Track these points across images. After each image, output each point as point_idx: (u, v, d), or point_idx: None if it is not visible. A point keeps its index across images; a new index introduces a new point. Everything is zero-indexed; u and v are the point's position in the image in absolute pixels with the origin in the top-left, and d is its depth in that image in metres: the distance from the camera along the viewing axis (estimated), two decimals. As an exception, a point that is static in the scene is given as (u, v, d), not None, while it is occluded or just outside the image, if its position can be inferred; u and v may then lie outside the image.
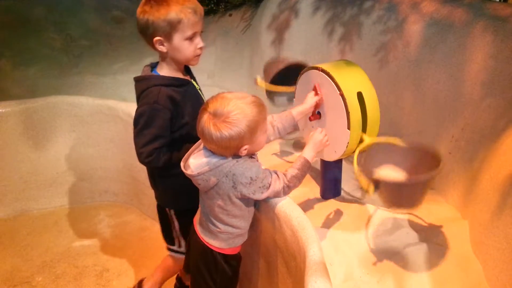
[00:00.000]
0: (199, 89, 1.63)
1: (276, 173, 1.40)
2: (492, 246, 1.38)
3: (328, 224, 1.70)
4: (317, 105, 1.66)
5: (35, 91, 2.87)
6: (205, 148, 1.37)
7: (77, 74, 3.13)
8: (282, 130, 1.58)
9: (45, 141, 2.65)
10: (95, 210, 2.70)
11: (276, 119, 1.57)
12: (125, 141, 2.47)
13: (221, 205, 1.39)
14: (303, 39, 2.62)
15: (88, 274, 2.23)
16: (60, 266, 2.28)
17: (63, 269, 2.26)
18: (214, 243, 1.47)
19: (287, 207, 1.40)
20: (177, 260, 1.80)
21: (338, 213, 1.76)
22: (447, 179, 1.78)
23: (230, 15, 3.39)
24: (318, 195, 1.89)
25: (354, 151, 1.65)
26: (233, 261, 1.53)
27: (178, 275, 1.91)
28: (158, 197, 1.72)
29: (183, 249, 1.76)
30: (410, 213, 1.73)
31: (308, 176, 1.92)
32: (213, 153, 1.35)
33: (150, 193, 1.77)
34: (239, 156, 1.35)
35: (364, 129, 1.60)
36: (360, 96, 1.56)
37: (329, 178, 1.85)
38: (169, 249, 1.80)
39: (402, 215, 1.72)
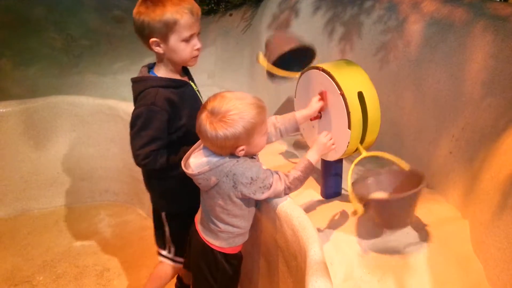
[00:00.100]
0: (197, 90, 1.62)
1: (278, 174, 1.40)
2: (493, 245, 1.38)
3: (328, 223, 1.70)
4: (322, 110, 1.66)
5: (35, 91, 2.87)
6: (205, 147, 1.38)
7: (77, 74, 3.13)
8: (284, 132, 1.58)
9: (46, 141, 2.66)
10: (95, 209, 2.70)
11: (279, 120, 1.57)
12: (125, 140, 2.45)
13: (221, 205, 1.39)
14: (303, 39, 2.61)
15: (88, 273, 2.23)
16: (60, 266, 2.28)
17: (63, 268, 2.27)
18: (214, 242, 1.48)
19: (288, 207, 1.40)
20: (168, 268, 1.78)
21: (339, 213, 1.76)
22: (448, 179, 1.78)
23: (231, 15, 3.39)
24: (318, 194, 1.89)
25: (354, 151, 1.65)
26: (234, 260, 1.53)
27: (178, 274, 1.91)
28: (152, 199, 1.71)
29: (172, 255, 1.74)
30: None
31: (308, 176, 1.92)
32: (213, 152, 1.35)
33: (151, 192, 1.77)
34: (238, 156, 1.35)
35: (364, 129, 1.60)
36: (360, 95, 1.56)
37: (329, 177, 1.85)
38: (160, 254, 1.77)
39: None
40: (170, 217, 1.68)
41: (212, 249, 1.49)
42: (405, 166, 1.55)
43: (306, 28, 2.59)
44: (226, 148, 1.31)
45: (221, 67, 3.19)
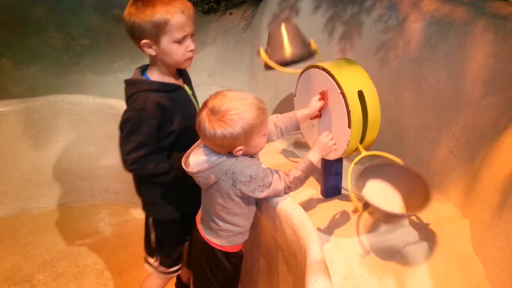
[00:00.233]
0: (192, 94, 1.57)
1: (277, 173, 1.40)
2: (493, 244, 1.38)
3: (328, 222, 1.70)
4: (322, 108, 1.66)
5: (35, 90, 2.87)
6: (205, 145, 1.38)
7: (77, 73, 3.12)
8: (285, 131, 1.58)
9: (46, 140, 2.66)
10: (95, 208, 2.70)
11: (280, 119, 1.57)
12: (125, 140, 2.47)
13: (221, 203, 1.39)
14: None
15: (88, 272, 2.23)
16: (60, 265, 2.28)
17: (63, 267, 2.27)
18: (215, 241, 1.48)
19: (288, 206, 1.40)
20: (156, 281, 1.74)
21: (339, 212, 1.76)
22: (448, 178, 1.78)
23: (231, 13, 3.39)
24: (318, 194, 1.89)
25: (354, 150, 1.65)
26: (234, 259, 1.53)
27: (178, 274, 1.91)
28: (142, 203, 1.67)
29: (157, 264, 1.70)
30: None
31: (308, 175, 1.92)
32: (212, 151, 1.35)
33: (151, 191, 1.77)
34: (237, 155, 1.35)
35: (364, 128, 1.60)
36: (360, 94, 1.56)
37: (329, 177, 1.85)
38: (146, 261, 1.74)
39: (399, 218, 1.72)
40: (157, 223, 1.65)
41: (213, 247, 1.49)
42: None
43: (307, 27, 2.59)
44: (224, 147, 1.31)
45: (221, 66, 3.18)
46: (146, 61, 1.57)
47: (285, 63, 1.80)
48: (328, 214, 1.74)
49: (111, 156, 2.64)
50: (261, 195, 1.37)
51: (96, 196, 2.77)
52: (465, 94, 1.72)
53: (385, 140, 1.97)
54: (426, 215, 1.70)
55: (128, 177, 1.60)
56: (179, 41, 1.38)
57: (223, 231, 1.45)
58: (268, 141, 1.46)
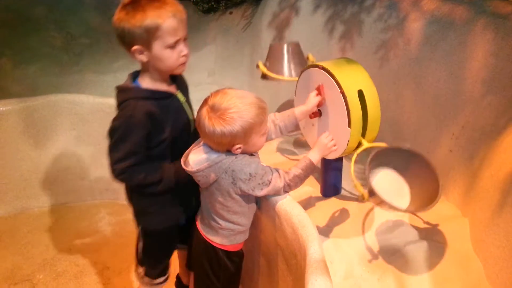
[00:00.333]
0: (185, 101, 1.50)
1: (277, 171, 1.40)
2: (492, 244, 1.38)
3: (328, 222, 1.70)
4: (320, 105, 1.66)
5: (35, 89, 2.87)
6: (205, 144, 1.38)
7: (77, 73, 3.13)
8: (284, 129, 1.58)
9: (46, 140, 2.66)
10: (95, 208, 2.71)
11: (278, 117, 1.57)
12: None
13: (221, 201, 1.40)
14: (304, 37, 2.61)
15: (89, 272, 2.24)
16: (61, 264, 2.29)
17: (64, 267, 2.27)
18: (216, 240, 1.48)
19: (288, 205, 1.40)
20: None
21: (339, 211, 1.76)
22: (448, 177, 1.78)
23: (231, 13, 3.39)
24: (318, 193, 1.89)
25: (354, 150, 1.65)
26: (235, 257, 1.53)
27: (178, 274, 1.91)
28: (132, 211, 1.62)
29: (142, 273, 1.68)
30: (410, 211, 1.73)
31: (308, 174, 1.92)
32: (212, 149, 1.36)
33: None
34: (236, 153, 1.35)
35: (364, 127, 1.60)
36: (360, 94, 1.56)
37: (329, 176, 1.85)
38: (135, 270, 1.71)
39: (402, 213, 1.72)
40: (145, 233, 1.62)
41: (214, 246, 1.49)
42: None
43: (307, 26, 2.59)
44: (223, 145, 1.31)
45: (221, 65, 3.18)
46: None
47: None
48: (328, 213, 1.75)
49: (111, 156, 2.64)
50: (260, 193, 1.37)
51: (96, 196, 2.77)
52: (465, 93, 1.72)
53: (385, 139, 1.96)
54: (426, 214, 1.70)
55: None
56: (172, 46, 1.33)
57: (224, 230, 1.45)
58: (267, 139, 1.46)
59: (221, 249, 1.49)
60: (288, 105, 2.31)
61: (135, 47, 1.32)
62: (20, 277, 2.21)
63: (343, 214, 1.74)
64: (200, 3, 3.48)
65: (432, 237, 1.59)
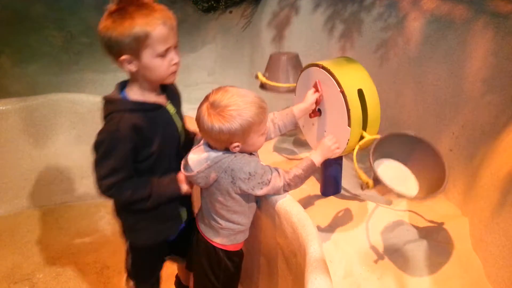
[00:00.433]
0: (175, 112, 1.43)
1: (277, 171, 1.40)
2: (492, 243, 1.38)
3: (328, 221, 1.70)
4: (318, 102, 1.66)
5: (35, 88, 2.87)
6: (205, 143, 1.38)
7: (77, 72, 3.13)
8: (283, 128, 1.58)
9: (46, 139, 2.66)
10: (95, 207, 2.70)
11: (277, 116, 1.57)
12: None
13: (221, 201, 1.39)
14: (304, 36, 2.61)
15: (88, 271, 2.24)
16: (60, 263, 2.29)
17: (63, 266, 2.27)
18: (216, 240, 1.48)
19: (288, 204, 1.40)
20: None
21: (338, 210, 1.76)
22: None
23: (230, 12, 3.39)
24: (318, 192, 1.89)
25: (354, 148, 1.65)
26: (235, 257, 1.53)
27: (177, 274, 1.91)
28: (120, 227, 1.58)
29: (131, 287, 1.65)
30: (410, 210, 1.73)
31: (308, 173, 1.92)
32: (211, 148, 1.36)
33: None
34: (235, 152, 1.35)
35: (364, 126, 1.60)
36: (360, 93, 1.56)
37: (329, 175, 1.85)
38: (126, 283, 1.68)
39: (402, 212, 1.73)
40: (133, 248, 1.58)
41: (214, 246, 1.49)
42: None
43: (306, 26, 2.59)
44: (221, 142, 1.31)
45: (221, 65, 3.19)
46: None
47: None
48: (327, 212, 1.75)
49: (111, 155, 2.64)
50: (260, 192, 1.37)
51: (96, 195, 2.74)
52: (465, 93, 1.72)
53: (385, 138, 1.97)
54: (425, 214, 1.70)
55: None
56: (162, 55, 1.26)
57: (224, 230, 1.45)
58: (266, 139, 1.46)
59: (221, 249, 1.49)
60: (287, 99, 2.33)
61: (123, 57, 1.25)
62: (20, 276, 2.21)
63: (343, 213, 1.75)
64: (200, 2, 3.49)
65: (432, 236, 1.59)
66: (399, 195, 1.39)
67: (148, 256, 1.60)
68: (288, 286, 1.47)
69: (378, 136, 1.57)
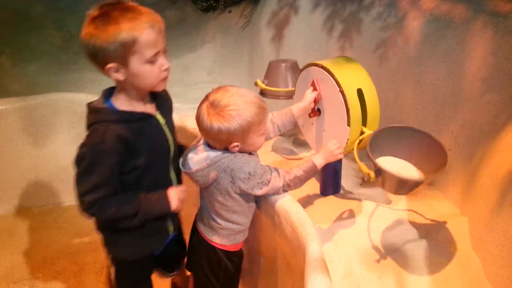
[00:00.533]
0: (166, 123, 1.34)
1: (277, 171, 1.40)
2: (491, 242, 1.38)
3: (328, 220, 1.70)
4: (317, 101, 1.66)
5: (34, 88, 2.87)
6: (205, 142, 1.38)
7: (76, 71, 3.12)
8: (282, 127, 1.58)
9: (45, 138, 2.65)
10: (95, 207, 2.70)
11: (276, 116, 1.57)
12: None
13: (221, 201, 1.39)
14: (303, 36, 2.61)
15: (88, 271, 2.23)
16: (60, 263, 2.28)
17: (63, 266, 2.27)
18: (216, 240, 1.48)
19: (287, 204, 1.40)
20: None
21: (338, 210, 1.76)
22: (447, 175, 1.78)
23: (230, 11, 3.39)
24: (317, 191, 1.89)
25: (353, 148, 1.65)
26: (235, 257, 1.53)
27: (172, 280, 1.88)
28: (101, 239, 1.48)
29: None
30: (409, 210, 1.73)
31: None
32: (211, 148, 1.35)
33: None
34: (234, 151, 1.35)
35: (363, 126, 1.60)
36: (360, 92, 1.56)
37: (329, 175, 1.84)
38: None
39: (401, 212, 1.73)
40: (116, 261, 1.51)
41: (214, 247, 1.49)
42: None
43: (306, 25, 2.59)
44: (220, 142, 1.31)
45: (220, 64, 3.19)
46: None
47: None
48: (327, 212, 1.74)
49: (110, 154, 2.64)
50: (259, 192, 1.37)
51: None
52: (464, 92, 1.72)
53: (384, 138, 1.97)
54: (425, 213, 1.70)
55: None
56: (152, 61, 1.18)
57: (224, 230, 1.45)
58: (266, 139, 1.46)
59: (221, 250, 1.49)
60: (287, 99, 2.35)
61: (109, 65, 1.17)
62: (19, 276, 2.21)
63: (343, 213, 1.75)
64: (199, 2, 3.49)
65: (432, 235, 1.59)
66: (403, 181, 1.36)
67: (132, 270, 1.53)
68: (287, 286, 1.47)
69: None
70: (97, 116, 1.24)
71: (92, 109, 1.28)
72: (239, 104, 1.27)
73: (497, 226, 1.36)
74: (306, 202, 1.82)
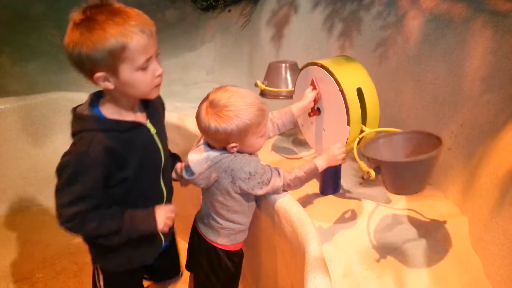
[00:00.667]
0: (157, 132, 1.26)
1: (277, 170, 1.40)
2: (491, 241, 1.38)
3: (327, 220, 1.70)
4: (316, 100, 1.66)
5: (34, 87, 2.87)
6: (205, 143, 1.38)
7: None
8: (282, 127, 1.58)
9: (45, 138, 2.65)
10: (95, 206, 2.70)
11: (276, 115, 1.57)
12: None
13: (221, 201, 1.39)
14: (303, 35, 2.61)
15: (88, 270, 2.21)
16: (60, 263, 2.28)
17: (63, 265, 2.27)
18: (216, 240, 1.48)
19: (287, 203, 1.40)
20: None
21: (338, 209, 1.76)
22: (446, 175, 1.78)
23: (229, 10, 3.39)
24: (317, 191, 1.89)
25: (353, 147, 1.65)
26: (235, 257, 1.53)
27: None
28: (88, 249, 1.42)
29: None
30: (409, 209, 1.73)
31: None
32: (211, 147, 1.35)
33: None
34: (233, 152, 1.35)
35: (363, 125, 1.60)
36: (359, 92, 1.56)
37: (328, 174, 1.85)
38: None
39: (401, 211, 1.73)
40: (104, 271, 1.42)
41: (214, 246, 1.49)
42: None
43: (306, 24, 2.59)
44: (219, 142, 1.32)
45: (220, 63, 3.19)
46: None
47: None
48: (327, 211, 1.75)
49: (110, 154, 2.64)
50: (260, 192, 1.37)
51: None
52: (464, 91, 1.72)
53: (384, 137, 1.97)
54: (424, 212, 1.70)
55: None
56: (143, 67, 1.09)
57: (224, 229, 1.45)
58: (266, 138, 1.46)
59: (222, 249, 1.49)
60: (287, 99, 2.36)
61: (97, 74, 1.08)
62: (19, 275, 2.21)
63: (342, 212, 1.75)
64: (199, 1, 3.49)
65: (431, 235, 1.59)
66: (404, 163, 1.35)
67: (121, 281, 1.44)
68: (287, 286, 1.47)
69: (378, 130, 1.57)
70: (84, 124, 1.15)
71: (77, 116, 1.18)
72: (238, 105, 1.26)
73: (497, 225, 1.36)
74: (305, 201, 1.82)
